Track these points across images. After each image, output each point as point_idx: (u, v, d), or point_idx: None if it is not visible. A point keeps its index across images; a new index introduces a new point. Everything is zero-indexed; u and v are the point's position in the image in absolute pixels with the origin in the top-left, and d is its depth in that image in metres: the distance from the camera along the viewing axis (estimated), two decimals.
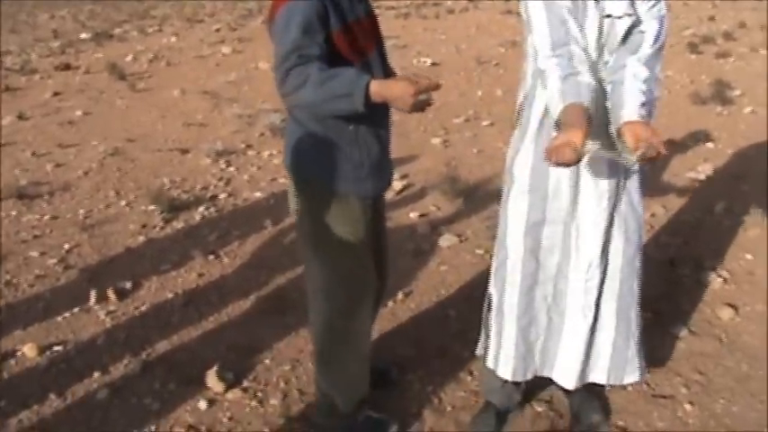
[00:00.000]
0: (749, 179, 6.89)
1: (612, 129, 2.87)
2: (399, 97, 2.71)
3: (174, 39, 18.34)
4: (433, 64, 13.09)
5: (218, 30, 19.58)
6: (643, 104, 2.80)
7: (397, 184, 6.83)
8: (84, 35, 20.25)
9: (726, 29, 16.33)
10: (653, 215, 6.07)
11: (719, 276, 5.06)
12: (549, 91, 2.93)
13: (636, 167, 3.12)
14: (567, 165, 2.67)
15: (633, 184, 3.17)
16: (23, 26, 25.28)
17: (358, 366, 3.44)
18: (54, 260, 5.62)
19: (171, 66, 14.36)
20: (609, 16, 2.90)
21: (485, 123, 8.98)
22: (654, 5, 2.94)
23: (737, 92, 10.35)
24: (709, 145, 8.03)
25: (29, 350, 4.39)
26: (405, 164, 7.54)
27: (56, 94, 12.04)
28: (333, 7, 2.85)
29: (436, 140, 8.33)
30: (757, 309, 4.69)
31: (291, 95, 2.82)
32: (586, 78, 2.86)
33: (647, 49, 2.92)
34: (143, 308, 4.92)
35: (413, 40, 15.67)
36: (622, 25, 2.92)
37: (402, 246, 5.63)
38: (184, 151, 8.39)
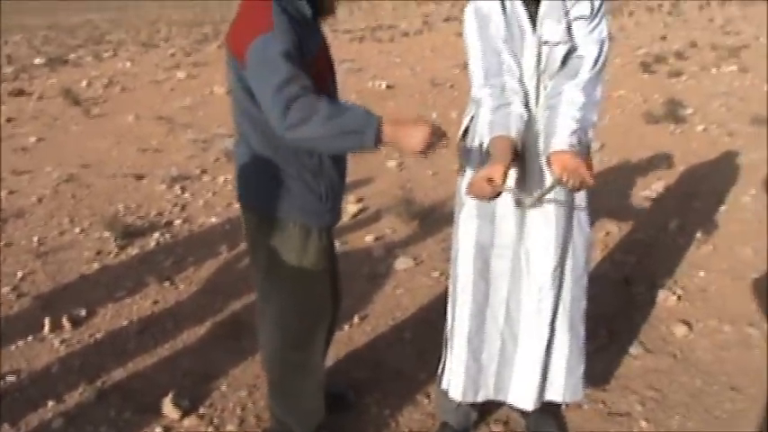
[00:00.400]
0: (701, 197, 6.99)
1: (542, 157, 2.93)
2: (419, 139, 2.61)
3: (129, 64, 18.27)
4: (389, 87, 13.15)
5: (173, 54, 19.54)
6: (574, 132, 2.84)
7: (352, 208, 6.85)
8: (38, 60, 20.10)
9: (677, 48, 16.59)
10: (607, 234, 6.14)
11: (673, 294, 5.11)
12: (481, 120, 2.98)
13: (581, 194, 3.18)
14: (487, 199, 2.74)
15: (581, 204, 3.22)
16: None
17: (313, 395, 3.42)
18: (7, 288, 5.55)
19: (126, 91, 14.30)
20: (546, 43, 2.95)
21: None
22: (594, 29, 2.97)
23: (690, 110, 10.52)
24: (662, 163, 8.13)
25: None
26: (360, 187, 7.56)
27: (9, 119, 11.94)
28: (304, 39, 2.77)
29: (392, 163, 8.36)
30: (710, 325, 4.74)
31: (294, 129, 2.63)
32: (518, 109, 2.90)
33: (585, 74, 2.95)
34: (98, 335, 4.86)
35: (368, 63, 15.74)
36: (560, 52, 2.96)
37: (358, 269, 5.64)
38: (139, 177, 8.35)
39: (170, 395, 4.02)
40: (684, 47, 17.07)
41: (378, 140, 2.62)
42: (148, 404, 4.06)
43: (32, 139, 10.50)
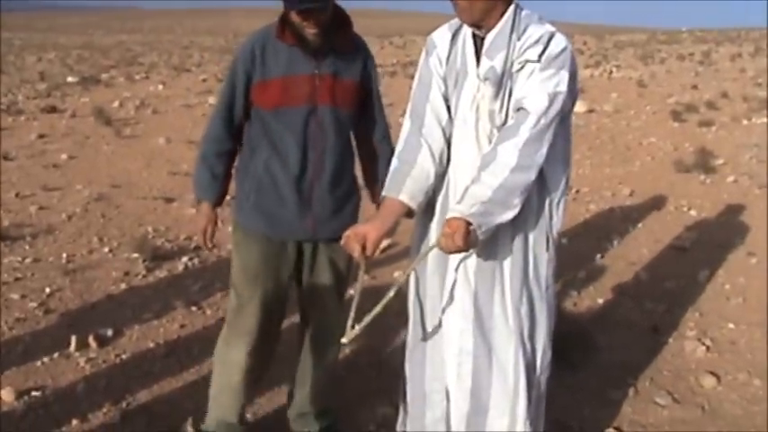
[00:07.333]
0: (731, 248, 6.95)
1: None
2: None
3: (161, 87, 18.40)
4: None
5: (204, 80, 19.66)
6: (484, 203, 2.69)
7: (381, 243, 6.82)
8: (71, 79, 20.30)
9: (708, 98, 16.57)
10: (638, 281, 6.09)
11: (702, 344, 5.05)
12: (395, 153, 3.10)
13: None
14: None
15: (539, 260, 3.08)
16: (11, 67, 25.27)
17: (221, 390, 3.68)
18: (35, 303, 5.57)
19: (157, 114, 14.39)
20: (486, 79, 2.83)
21: None
22: (547, 79, 2.76)
23: (720, 161, 10.50)
24: (692, 212, 8.11)
25: (6, 394, 4.29)
26: None
27: (41, 136, 12.05)
28: (260, 61, 3.28)
29: None
30: (739, 378, 4.68)
31: None
32: (424, 163, 2.96)
33: (525, 132, 2.73)
34: (124, 356, 4.86)
35: (399, 99, 15.74)
36: (487, 90, 2.84)
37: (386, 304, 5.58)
38: (169, 200, 8.40)
39: (189, 420, 3.97)
40: (715, 97, 17.04)
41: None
42: (173, 428, 4.02)
43: (64, 157, 10.59)
